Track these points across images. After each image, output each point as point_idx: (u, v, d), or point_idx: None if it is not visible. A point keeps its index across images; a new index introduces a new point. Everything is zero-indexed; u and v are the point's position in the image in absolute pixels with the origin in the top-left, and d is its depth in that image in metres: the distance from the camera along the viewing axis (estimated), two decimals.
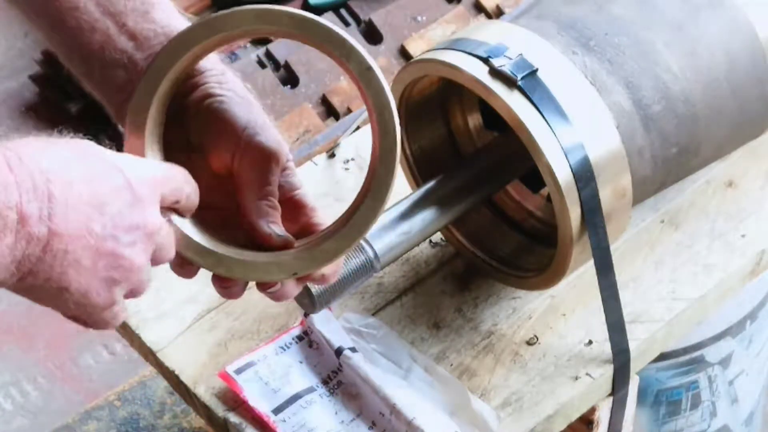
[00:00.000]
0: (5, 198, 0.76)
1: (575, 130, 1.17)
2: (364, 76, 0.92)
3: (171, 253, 0.91)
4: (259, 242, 0.96)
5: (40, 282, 0.81)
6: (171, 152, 0.97)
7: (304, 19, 0.92)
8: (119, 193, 0.83)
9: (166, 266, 0.96)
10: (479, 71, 1.18)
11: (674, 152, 1.27)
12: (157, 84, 0.94)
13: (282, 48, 2.76)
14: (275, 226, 0.96)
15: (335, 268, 1.01)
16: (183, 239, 0.94)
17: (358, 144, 1.51)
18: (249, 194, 0.96)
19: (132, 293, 0.88)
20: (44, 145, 0.82)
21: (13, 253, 0.77)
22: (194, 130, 0.97)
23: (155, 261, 0.89)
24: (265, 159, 0.96)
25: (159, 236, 0.87)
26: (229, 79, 0.98)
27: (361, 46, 0.93)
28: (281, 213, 0.98)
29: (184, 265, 0.96)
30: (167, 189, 0.89)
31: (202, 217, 0.96)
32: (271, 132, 0.97)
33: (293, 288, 0.99)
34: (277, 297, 1.01)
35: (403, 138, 1.31)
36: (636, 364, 1.29)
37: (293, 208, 0.99)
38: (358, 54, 0.92)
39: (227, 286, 0.98)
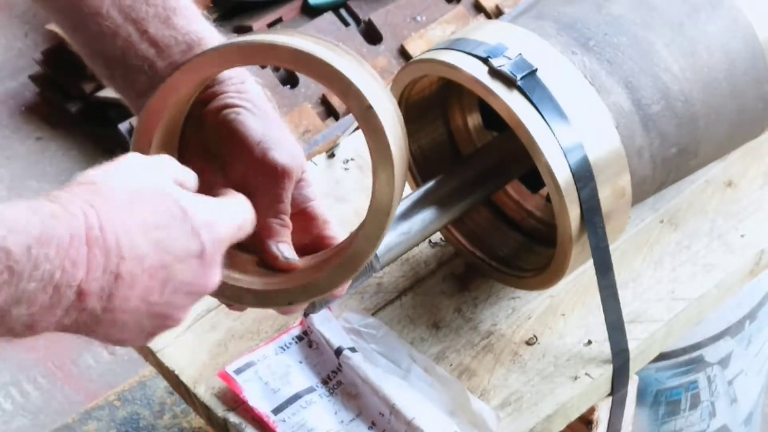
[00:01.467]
0: (70, 276, 0.75)
1: (574, 130, 1.17)
2: (364, 116, 0.90)
3: None
4: (267, 261, 0.96)
5: (76, 334, 0.81)
6: (189, 157, 0.96)
7: (305, 54, 0.89)
8: (190, 262, 0.83)
9: None
10: (479, 71, 1.18)
11: (673, 152, 1.27)
12: (156, 121, 0.92)
13: None
14: (283, 247, 0.96)
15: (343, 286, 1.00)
16: None
17: (357, 144, 1.51)
18: (260, 211, 0.95)
19: None
20: (129, 206, 0.80)
21: (60, 322, 0.78)
22: (211, 140, 0.97)
23: None
24: (278, 175, 0.95)
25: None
26: (249, 89, 0.98)
27: (364, 82, 0.90)
28: (295, 224, 0.98)
29: None
30: (235, 240, 0.89)
31: None
32: (286, 146, 0.96)
33: (295, 307, 1.00)
34: (280, 312, 1.02)
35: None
36: (635, 364, 1.29)
37: (306, 220, 0.99)
38: (358, 92, 0.89)
39: (229, 304, 0.99)
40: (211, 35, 0.97)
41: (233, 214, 0.89)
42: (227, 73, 0.97)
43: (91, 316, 0.78)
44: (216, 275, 0.86)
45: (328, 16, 2.88)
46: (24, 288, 0.73)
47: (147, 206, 0.81)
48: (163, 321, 0.84)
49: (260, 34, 0.92)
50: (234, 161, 0.96)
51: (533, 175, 1.22)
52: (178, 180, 0.86)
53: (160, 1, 0.97)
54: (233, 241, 0.89)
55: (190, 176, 0.88)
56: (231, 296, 0.96)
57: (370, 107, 0.89)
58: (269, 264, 0.96)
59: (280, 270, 0.96)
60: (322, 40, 0.93)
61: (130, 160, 0.84)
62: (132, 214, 0.79)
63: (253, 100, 0.97)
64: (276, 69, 2.74)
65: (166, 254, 0.81)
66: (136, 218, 0.79)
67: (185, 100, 0.94)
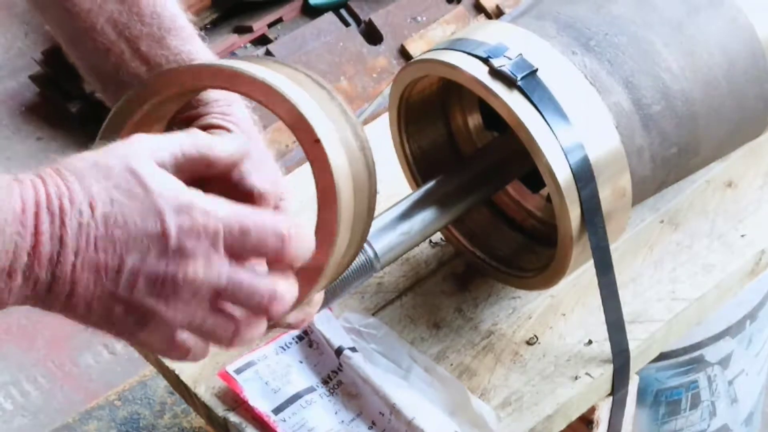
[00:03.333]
0: (24, 240, 0.76)
1: (575, 130, 1.17)
2: (311, 150, 0.84)
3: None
4: None
5: (43, 307, 0.80)
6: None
7: (248, 78, 0.85)
8: (149, 246, 0.78)
9: None
10: (479, 71, 1.18)
11: (674, 152, 1.27)
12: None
13: (282, 48, 2.76)
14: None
15: (302, 317, 0.97)
16: None
17: None
18: None
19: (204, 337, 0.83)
20: (85, 176, 0.78)
21: (22, 293, 0.78)
22: None
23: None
24: (254, 200, 0.92)
25: (205, 291, 0.80)
26: (235, 112, 0.97)
27: (319, 115, 0.84)
28: None
29: None
30: (231, 237, 0.80)
31: None
32: (266, 171, 0.93)
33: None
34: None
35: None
36: (636, 364, 1.29)
37: None
38: (307, 124, 0.83)
39: None
40: (203, 56, 0.98)
41: (235, 207, 0.81)
42: (213, 95, 0.96)
43: (46, 285, 0.78)
44: (196, 274, 0.78)
45: (329, 16, 2.88)
46: None
47: (105, 179, 0.78)
48: (144, 320, 0.80)
49: (227, 61, 0.89)
50: (212, 182, 0.91)
51: (533, 175, 1.22)
52: (157, 158, 0.81)
53: (155, 21, 0.98)
54: (237, 243, 0.80)
55: (174, 151, 0.83)
56: None
57: (318, 141, 0.83)
58: None
59: None
60: (292, 69, 0.89)
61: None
62: (83, 184, 0.77)
63: (237, 123, 0.96)
64: None
65: (117, 229, 0.77)
66: (87, 188, 0.77)
67: (153, 115, 0.93)
